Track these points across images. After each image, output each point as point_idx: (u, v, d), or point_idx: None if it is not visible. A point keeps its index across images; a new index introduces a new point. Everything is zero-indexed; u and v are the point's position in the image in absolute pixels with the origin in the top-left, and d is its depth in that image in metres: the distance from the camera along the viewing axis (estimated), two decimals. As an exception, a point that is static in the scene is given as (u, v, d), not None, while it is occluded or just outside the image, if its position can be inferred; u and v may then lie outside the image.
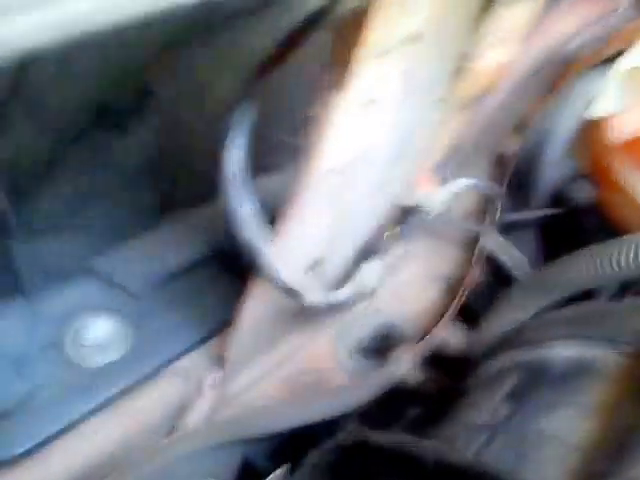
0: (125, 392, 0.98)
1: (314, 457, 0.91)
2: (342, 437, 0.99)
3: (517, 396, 1.02)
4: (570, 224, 1.61)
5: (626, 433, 0.87)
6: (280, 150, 1.17)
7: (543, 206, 1.64)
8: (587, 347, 1.04)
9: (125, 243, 1.10)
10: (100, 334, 0.99)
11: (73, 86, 0.76)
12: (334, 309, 0.97)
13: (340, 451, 0.90)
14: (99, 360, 0.99)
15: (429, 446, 0.83)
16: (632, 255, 0.99)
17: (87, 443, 0.94)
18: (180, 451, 0.98)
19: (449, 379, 1.35)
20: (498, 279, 1.56)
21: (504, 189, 1.38)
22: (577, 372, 1.02)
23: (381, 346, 1.28)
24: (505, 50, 1.00)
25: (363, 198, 0.99)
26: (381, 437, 0.86)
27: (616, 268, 1.01)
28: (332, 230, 0.97)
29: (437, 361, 1.35)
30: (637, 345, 1.01)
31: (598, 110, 1.27)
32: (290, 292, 0.90)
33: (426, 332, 1.30)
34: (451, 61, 0.90)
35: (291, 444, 1.25)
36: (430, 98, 0.94)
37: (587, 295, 1.23)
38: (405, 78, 0.84)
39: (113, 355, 1.00)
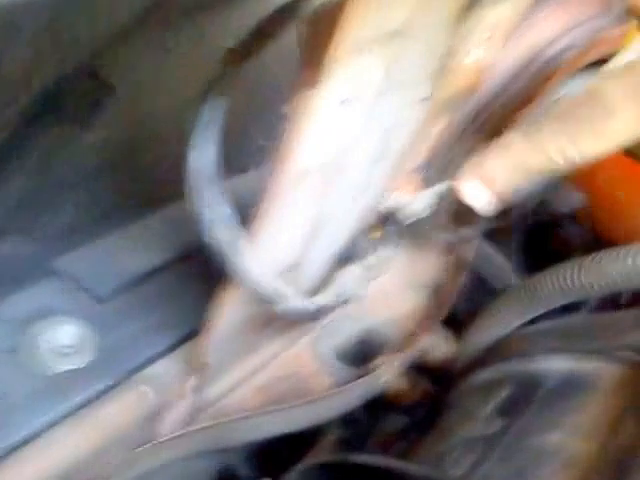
0: (91, 400, 0.96)
1: (293, 476, 0.90)
2: (323, 454, 0.98)
3: (510, 410, 1.01)
4: (553, 233, 1.59)
5: (627, 452, 0.85)
6: (253, 148, 1.16)
7: (526, 213, 1.63)
8: (580, 360, 1.03)
9: (88, 244, 1.07)
10: (64, 340, 0.97)
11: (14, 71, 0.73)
12: (313, 315, 0.95)
13: (319, 471, 0.88)
14: (63, 367, 0.96)
15: (415, 468, 0.81)
16: (619, 268, 0.97)
17: (51, 453, 0.91)
18: (155, 461, 0.97)
19: (433, 388, 1.34)
20: (481, 285, 1.55)
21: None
22: (572, 386, 1.01)
23: (363, 352, 1.26)
24: (489, 49, 0.98)
25: (341, 200, 0.96)
26: (363, 457, 0.84)
27: (603, 281, 1.00)
28: (309, 233, 0.95)
29: (421, 369, 1.34)
30: (633, 358, 0.99)
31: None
32: (266, 297, 0.87)
33: (409, 339, 1.28)
34: (433, 59, 0.88)
35: (272, 451, 1.23)
36: (411, 98, 0.92)
37: (567, 307, 1.22)
38: (384, 76, 0.82)
39: (78, 362, 0.97)
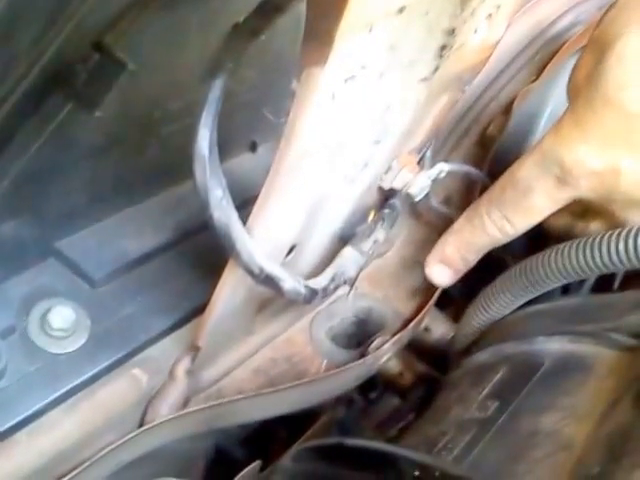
0: (85, 384, 0.94)
1: (287, 459, 0.88)
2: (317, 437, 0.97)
3: (505, 392, 0.99)
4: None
5: (621, 435, 0.85)
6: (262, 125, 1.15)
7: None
8: (575, 342, 1.02)
9: (86, 228, 1.06)
10: (58, 323, 0.95)
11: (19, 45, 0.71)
12: (309, 298, 0.94)
13: (315, 454, 0.86)
14: (56, 350, 0.95)
15: (408, 453, 0.79)
16: (619, 248, 0.96)
17: (44, 437, 0.90)
18: (149, 444, 0.96)
19: (429, 370, 1.33)
20: (477, 266, 1.54)
21: (486, 171, 1.35)
22: (567, 368, 1.00)
23: (358, 334, 1.25)
24: (493, 28, 0.97)
25: (341, 180, 0.95)
26: (358, 441, 0.83)
27: (602, 262, 0.99)
28: (308, 213, 0.93)
29: (416, 351, 1.33)
30: (632, 340, 0.98)
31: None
32: (267, 280, 0.86)
33: (407, 319, 1.27)
34: (436, 37, 0.87)
35: (267, 433, 1.23)
36: (413, 77, 0.91)
37: (566, 288, 1.21)
38: (388, 54, 0.80)
39: (71, 345, 0.96)
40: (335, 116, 0.80)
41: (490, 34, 0.98)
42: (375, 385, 1.27)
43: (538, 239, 1.46)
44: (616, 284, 1.39)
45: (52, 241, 1.03)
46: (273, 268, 0.86)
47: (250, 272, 0.84)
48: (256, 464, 1.03)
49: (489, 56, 1.04)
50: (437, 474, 0.73)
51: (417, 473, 0.74)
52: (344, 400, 1.21)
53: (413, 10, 0.77)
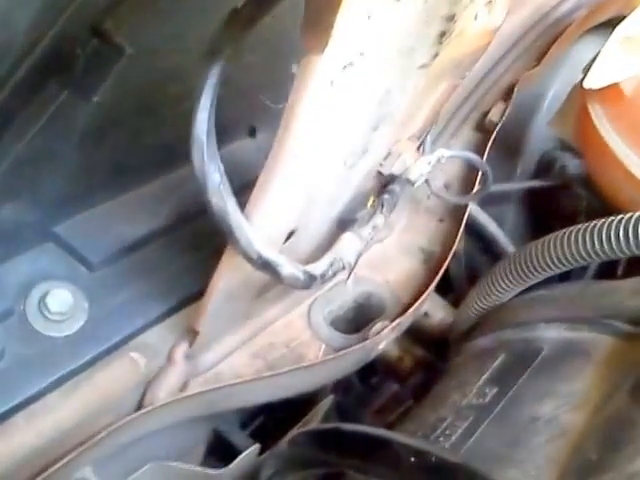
0: (83, 367, 0.95)
1: (285, 445, 0.89)
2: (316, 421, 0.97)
3: (504, 379, 1.00)
4: (556, 197, 1.58)
5: (618, 424, 0.85)
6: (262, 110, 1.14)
7: (529, 178, 1.62)
8: (574, 329, 1.02)
9: (84, 212, 1.06)
10: (56, 306, 0.95)
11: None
12: (307, 283, 0.93)
13: (313, 439, 0.87)
14: (54, 333, 0.95)
15: (406, 439, 0.80)
16: (622, 234, 0.96)
17: (43, 419, 0.91)
18: (149, 425, 0.96)
19: (428, 355, 1.33)
20: (477, 252, 1.54)
21: (486, 157, 1.35)
22: (565, 355, 1.01)
23: (357, 319, 1.25)
24: (492, 14, 0.96)
25: (341, 166, 0.95)
26: (355, 427, 0.83)
27: (600, 249, 0.99)
28: (308, 200, 0.93)
29: (416, 336, 1.33)
30: (630, 327, 0.99)
31: (594, 79, 1.24)
32: (265, 266, 0.86)
33: (406, 304, 1.27)
34: (436, 24, 0.86)
35: (265, 418, 1.23)
36: (412, 63, 0.90)
37: (567, 274, 1.21)
38: (386, 41, 0.80)
39: (69, 328, 0.97)
40: (334, 102, 0.80)
41: (490, 20, 0.97)
42: (375, 371, 1.27)
43: (539, 226, 1.46)
44: (619, 271, 1.39)
45: (50, 225, 1.03)
46: (271, 254, 0.86)
47: (248, 258, 0.84)
48: (254, 448, 1.04)
49: (489, 42, 1.04)
50: (433, 459, 0.74)
51: (413, 459, 0.75)
52: (343, 385, 1.21)
53: (412, -3, 0.77)
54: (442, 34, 0.89)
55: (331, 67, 0.74)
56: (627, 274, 1.33)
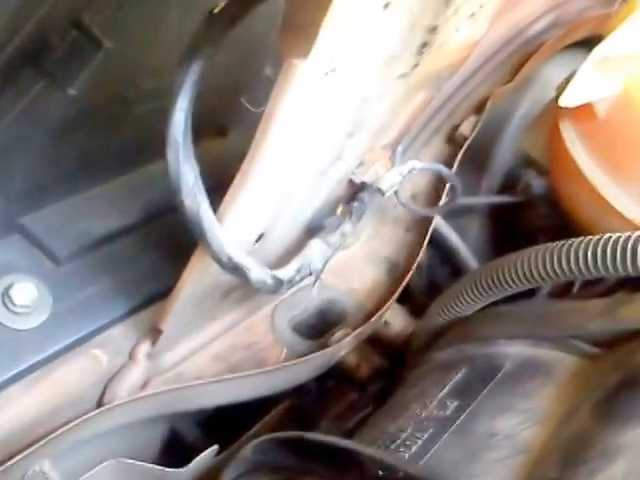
0: (44, 361, 0.94)
1: (248, 450, 0.89)
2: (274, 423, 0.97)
3: (465, 392, 1.00)
4: (519, 214, 1.59)
5: (578, 443, 0.85)
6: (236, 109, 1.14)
7: (493, 193, 1.63)
8: (536, 347, 1.03)
9: (52, 205, 1.05)
10: (19, 299, 0.94)
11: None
12: (273, 288, 0.93)
13: (275, 446, 0.87)
14: (17, 326, 0.94)
15: (367, 450, 0.80)
16: (582, 257, 0.97)
17: (1, 413, 0.89)
18: (109, 423, 0.96)
19: (387, 364, 1.34)
20: (439, 264, 1.55)
21: (454, 169, 1.36)
22: (527, 372, 1.01)
23: (320, 325, 1.25)
24: (474, 27, 0.97)
25: (314, 172, 0.95)
26: (320, 437, 0.83)
27: (564, 270, 0.99)
28: (279, 204, 0.93)
29: (375, 344, 1.33)
30: (593, 348, 0.99)
31: (569, 98, 1.25)
32: (234, 269, 0.85)
33: (367, 313, 1.28)
34: (418, 34, 0.86)
35: (221, 418, 1.23)
36: (392, 73, 0.90)
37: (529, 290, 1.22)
38: (370, 49, 0.80)
39: (32, 322, 0.95)
40: (313, 108, 0.80)
41: (472, 33, 0.98)
42: (331, 374, 1.27)
43: (501, 241, 1.47)
44: (575, 289, 1.40)
45: (17, 216, 1.02)
46: (242, 258, 0.85)
47: (218, 261, 0.83)
48: (213, 449, 1.03)
49: (468, 55, 1.05)
50: (401, 475, 0.74)
51: (381, 473, 0.75)
52: (300, 388, 1.21)
53: (397, 6, 0.77)
54: (424, 45, 0.89)
55: (313, 73, 0.74)
56: (581, 293, 1.35)
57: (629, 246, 0.92)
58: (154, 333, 1.00)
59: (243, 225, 0.89)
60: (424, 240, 1.33)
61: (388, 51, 0.84)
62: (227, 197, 0.82)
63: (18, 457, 0.84)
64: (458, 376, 1.04)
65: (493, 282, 1.09)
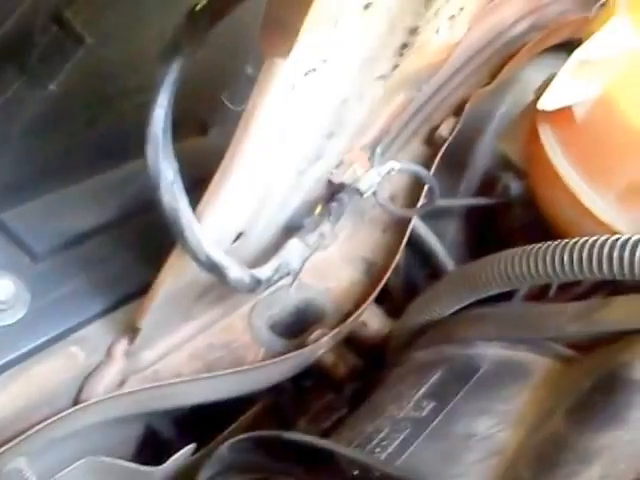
0: (21, 358, 0.93)
1: (225, 449, 0.88)
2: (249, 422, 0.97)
3: (442, 394, 1.00)
4: (496, 215, 1.59)
5: (553, 445, 0.86)
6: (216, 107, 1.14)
7: (471, 195, 1.63)
8: (513, 349, 1.03)
9: (31, 201, 1.05)
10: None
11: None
12: (251, 287, 0.93)
13: (250, 445, 0.86)
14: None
15: (344, 450, 0.80)
16: (558, 260, 0.97)
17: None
18: (85, 421, 0.95)
19: (363, 364, 1.34)
20: (417, 265, 1.55)
21: (433, 171, 1.36)
22: (504, 375, 1.01)
23: (297, 325, 1.25)
24: (454, 29, 0.97)
25: (293, 171, 0.95)
26: (297, 436, 0.83)
27: (540, 273, 1.00)
28: (258, 201, 0.93)
29: (351, 345, 1.33)
30: (569, 351, 1.00)
31: (548, 101, 1.25)
32: (212, 268, 0.85)
33: (345, 313, 1.28)
34: (398, 35, 0.87)
35: (197, 416, 1.22)
36: (372, 73, 0.91)
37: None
38: (350, 49, 0.81)
39: (9, 318, 0.95)
40: (293, 107, 0.80)
41: (451, 35, 0.98)
42: (308, 374, 1.27)
43: (479, 242, 1.47)
44: (551, 293, 1.41)
45: (-6, 211, 1.01)
46: (220, 256, 0.85)
47: (196, 259, 0.83)
48: (189, 448, 1.03)
49: (448, 57, 1.05)
50: (377, 474, 0.74)
51: (356, 472, 0.75)
52: (276, 387, 1.21)
53: (378, 7, 0.77)
54: (404, 46, 0.89)
55: (294, 72, 0.74)
56: (558, 296, 1.35)
57: (605, 250, 0.93)
58: (132, 331, 0.99)
59: (222, 223, 0.88)
60: (402, 241, 1.33)
61: (368, 52, 0.84)
62: (206, 195, 0.82)
63: None
64: (435, 377, 1.04)
65: (470, 284, 1.10)
